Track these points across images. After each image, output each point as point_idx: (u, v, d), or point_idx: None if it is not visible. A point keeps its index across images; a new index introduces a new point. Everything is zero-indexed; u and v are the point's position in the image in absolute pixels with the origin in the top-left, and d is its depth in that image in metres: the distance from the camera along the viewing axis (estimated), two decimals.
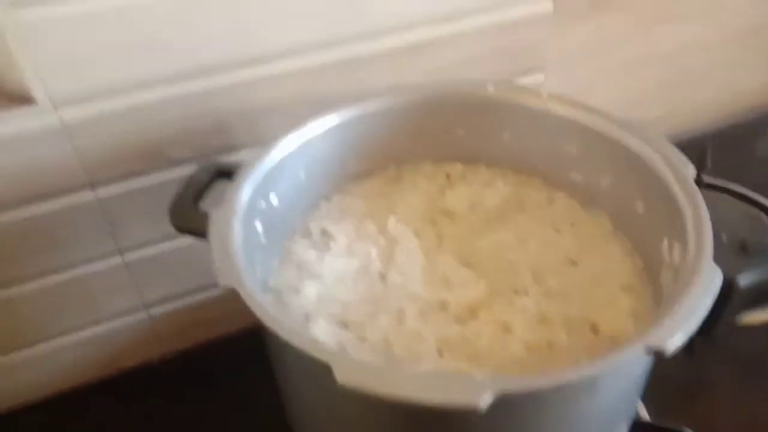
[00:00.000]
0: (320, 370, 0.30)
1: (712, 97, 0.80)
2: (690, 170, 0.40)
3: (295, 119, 0.46)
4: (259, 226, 0.43)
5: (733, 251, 0.36)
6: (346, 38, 0.50)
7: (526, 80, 0.62)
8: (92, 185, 0.48)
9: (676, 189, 0.39)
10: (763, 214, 0.58)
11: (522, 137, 0.50)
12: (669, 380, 0.47)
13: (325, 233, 0.47)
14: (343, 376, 0.29)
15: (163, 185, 0.49)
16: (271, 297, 0.43)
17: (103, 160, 0.47)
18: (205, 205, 0.43)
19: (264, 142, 0.44)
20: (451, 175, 0.51)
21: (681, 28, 0.70)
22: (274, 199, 0.45)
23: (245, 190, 0.41)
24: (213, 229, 0.37)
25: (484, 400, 0.28)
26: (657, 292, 0.41)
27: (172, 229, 0.42)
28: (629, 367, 0.33)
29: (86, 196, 0.48)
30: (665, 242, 0.40)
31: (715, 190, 0.55)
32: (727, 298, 0.32)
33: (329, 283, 0.43)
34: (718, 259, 0.34)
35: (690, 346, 0.50)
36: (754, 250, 0.36)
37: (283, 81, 0.50)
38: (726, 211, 0.42)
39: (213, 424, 0.52)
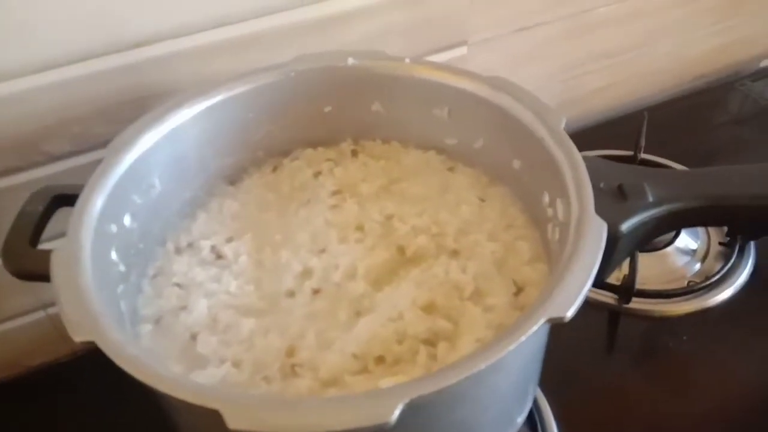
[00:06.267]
0: (212, 418, 0.26)
1: (657, 65, 0.76)
2: (561, 121, 0.39)
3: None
4: (114, 254, 0.37)
5: (611, 197, 0.36)
6: (242, 15, 0.47)
7: (448, 56, 0.57)
8: None
9: (550, 143, 0.38)
10: None
11: (393, 107, 0.47)
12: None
13: (214, 249, 0.42)
14: (236, 420, 0.26)
15: (42, 182, 0.41)
16: (150, 327, 0.38)
17: None
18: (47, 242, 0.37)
19: None
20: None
21: None
22: (127, 220, 0.39)
23: (89, 217, 0.36)
24: (56, 273, 0.32)
25: (394, 415, 0.26)
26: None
27: None
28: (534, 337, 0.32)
29: None
30: (546, 198, 0.40)
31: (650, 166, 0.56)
32: (613, 246, 0.32)
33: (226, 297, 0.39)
34: (600, 208, 0.34)
35: None
36: (631, 194, 0.36)
37: (173, 61, 0.46)
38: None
39: (124, 425, 0.48)
